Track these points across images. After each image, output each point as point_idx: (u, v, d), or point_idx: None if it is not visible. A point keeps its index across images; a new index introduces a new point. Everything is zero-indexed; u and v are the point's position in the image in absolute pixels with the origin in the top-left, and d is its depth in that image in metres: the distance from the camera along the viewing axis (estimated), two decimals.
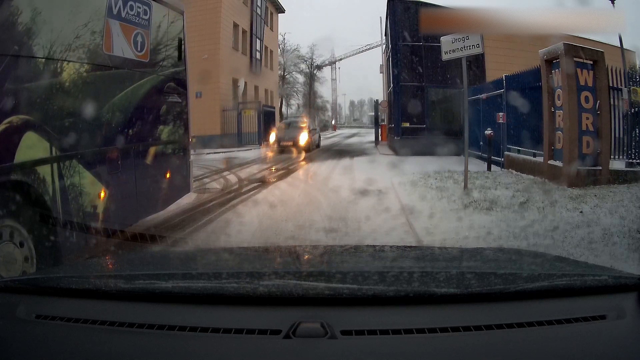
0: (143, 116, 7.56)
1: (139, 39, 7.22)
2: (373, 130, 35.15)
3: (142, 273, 2.28)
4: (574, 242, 6.01)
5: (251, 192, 11.78)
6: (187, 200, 9.42)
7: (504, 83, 14.39)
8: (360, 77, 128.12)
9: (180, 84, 8.89)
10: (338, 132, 68.11)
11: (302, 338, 1.53)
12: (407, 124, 22.57)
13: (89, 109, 5.90)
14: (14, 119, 4.70)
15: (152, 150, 7.81)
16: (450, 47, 10.37)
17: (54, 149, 5.25)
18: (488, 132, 14.15)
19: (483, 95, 16.32)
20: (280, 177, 15.10)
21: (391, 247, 3.24)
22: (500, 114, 14.43)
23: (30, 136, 4.88)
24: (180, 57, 8.76)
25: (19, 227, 4.62)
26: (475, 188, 10.36)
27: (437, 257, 2.80)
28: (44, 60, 5.21)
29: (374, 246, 3.23)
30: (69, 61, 5.60)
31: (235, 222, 8.33)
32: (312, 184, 13.84)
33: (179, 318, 1.66)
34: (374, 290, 1.83)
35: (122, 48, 6.79)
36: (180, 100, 8.90)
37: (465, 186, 10.37)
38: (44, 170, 5.07)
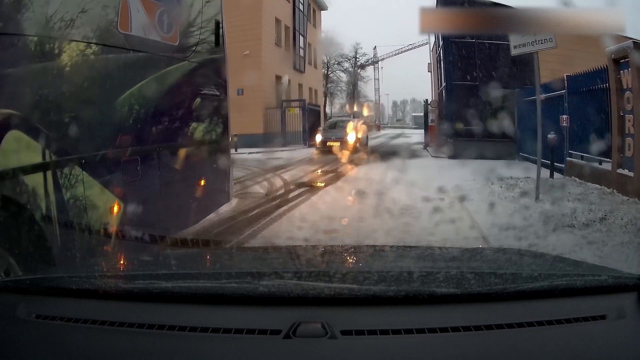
0: (170, 111, 6.41)
1: (166, 18, 6.14)
2: (417, 131, 34.31)
3: (142, 273, 2.29)
4: None
5: (298, 200, 10.50)
6: (226, 207, 8.45)
7: (565, 83, 13.23)
8: (403, 77, 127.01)
9: (217, 73, 7.67)
10: (382, 132, 65.33)
11: (302, 338, 1.53)
12: (461, 125, 21.12)
13: (98, 101, 4.98)
14: None
15: (181, 152, 6.57)
16: (519, 41, 9.62)
17: (49, 153, 4.24)
18: (551, 136, 12.91)
19: (541, 96, 15.31)
20: (330, 182, 13.77)
21: (391, 247, 3.25)
22: (564, 116, 13.12)
23: (15, 136, 3.92)
24: (218, 42, 7.56)
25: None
26: (547, 200, 9.39)
27: (437, 257, 2.80)
28: (38, 38, 4.25)
29: (374, 246, 3.23)
30: (70, 41, 4.57)
31: (282, 238, 7.25)
32: (365, 190, 12.11)
33: (179, 318, 1.67)
34: (374, 290, 1.83)
35: (144, 27, 5.71)
36: (217, 93, 7.66)
37: (537, 197, 9.46)
38: (34, 181, 4.09)
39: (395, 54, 77.41)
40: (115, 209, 5.04)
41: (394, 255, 2.77)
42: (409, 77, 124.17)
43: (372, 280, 1.98)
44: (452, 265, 2.49)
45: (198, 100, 7.02)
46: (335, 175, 15.28)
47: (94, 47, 4.90)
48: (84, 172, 4.63)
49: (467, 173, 13.22)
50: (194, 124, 6.97)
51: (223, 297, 1.79)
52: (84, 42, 4.75)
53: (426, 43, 39.81)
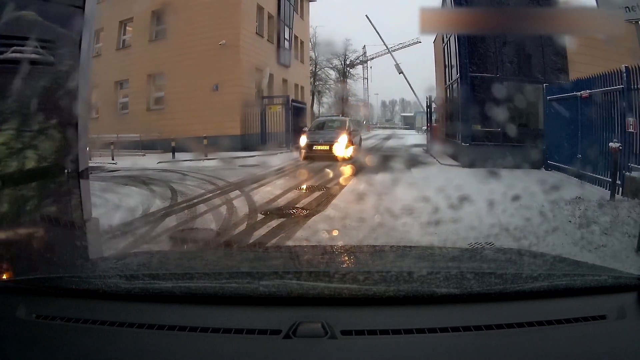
0: None
1: None
2: (408, 132, 32.41)
3: (142, 273, 2.27)
4: None
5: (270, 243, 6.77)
6: None
7: (623, 78, 10.35)
8: (392, 77, 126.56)
9: (51, 15, 3.65)
10: (372, 133, 61.72)
11: (302, 338, 1.54)
12: (479, 127, 17.55)
13: None
14: None
15: None
16: (630, 1, 7.39)
17: None
18: (614, 144, 10.09)
19: (583, 93, 12.41)
20: (318, 207, 9.26)
21: (391, 247, 3.25)
22: (631, 119, 10.22)
23: None
24: None
25: None
26: None
27: (437, 257, 2.79)
28: None
29: (374, 246, 3.23)
30: None
31: None
32: (369, 220, 7.88)
33: (179, 318, 1.67)
34: (374, 290, 1.83)
35: None
36: (45, 57, 3.58)
37: (639, 248, 5.99)
38: None
39: (384, 53, 77.06)
40: None
41: (394, 255, 2.77)
42: (399, 76, 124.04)
43: (372, 280, 1.98)
44: (452, 265, 2.49)
45: None
46: (325, 195, 10.91)
47: None
48: None
49: (498, 191, 9.72)
50: None
51: (223, 297, 1.78)
52: None
53: (418, 42, 39.24)
